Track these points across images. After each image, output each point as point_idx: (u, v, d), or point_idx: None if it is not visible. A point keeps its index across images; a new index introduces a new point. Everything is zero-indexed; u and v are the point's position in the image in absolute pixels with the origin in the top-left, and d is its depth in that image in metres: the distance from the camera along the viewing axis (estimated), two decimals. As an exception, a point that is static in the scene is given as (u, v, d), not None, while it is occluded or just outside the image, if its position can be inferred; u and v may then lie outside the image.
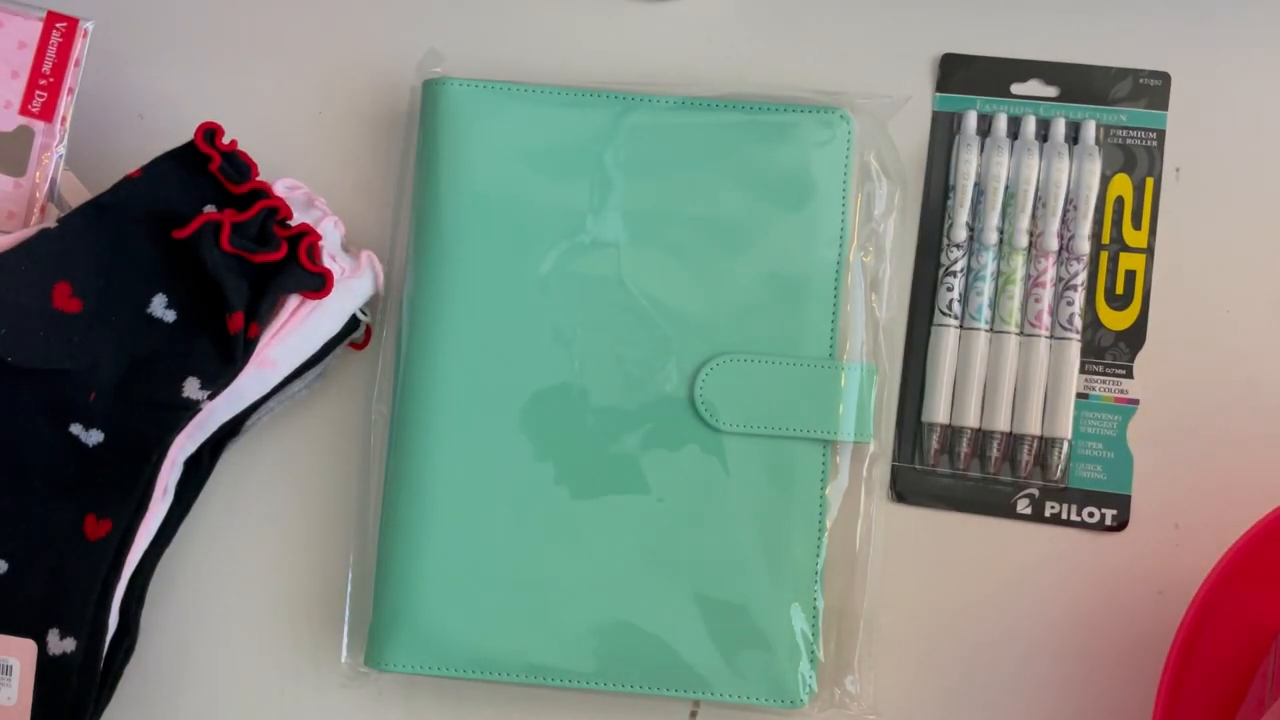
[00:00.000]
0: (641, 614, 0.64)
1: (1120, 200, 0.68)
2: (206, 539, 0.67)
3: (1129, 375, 0.67)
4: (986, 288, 0.67)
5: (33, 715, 0.62)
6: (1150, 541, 0.66)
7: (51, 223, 0.64)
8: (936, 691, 0.66)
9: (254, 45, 0.71)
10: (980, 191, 0.68)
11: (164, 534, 0.65)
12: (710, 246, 0.66)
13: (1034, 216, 0.67)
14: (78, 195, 0.66)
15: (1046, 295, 0.67)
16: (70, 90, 0.66)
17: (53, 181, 0.66)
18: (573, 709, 0.66)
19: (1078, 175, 0.67)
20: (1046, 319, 0.67)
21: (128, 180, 0.64)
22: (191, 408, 0.62)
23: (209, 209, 0.64)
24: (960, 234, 0.67)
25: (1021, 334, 0.67)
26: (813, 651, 0.64)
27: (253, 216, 0.63)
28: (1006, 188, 0.68)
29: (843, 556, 0.66)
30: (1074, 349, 0.67)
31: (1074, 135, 0.68)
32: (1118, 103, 0.68)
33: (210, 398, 0.63)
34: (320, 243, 0.64)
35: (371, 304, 0.68)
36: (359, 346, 0.68)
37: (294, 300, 0.64)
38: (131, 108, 0.71)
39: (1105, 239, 0.68)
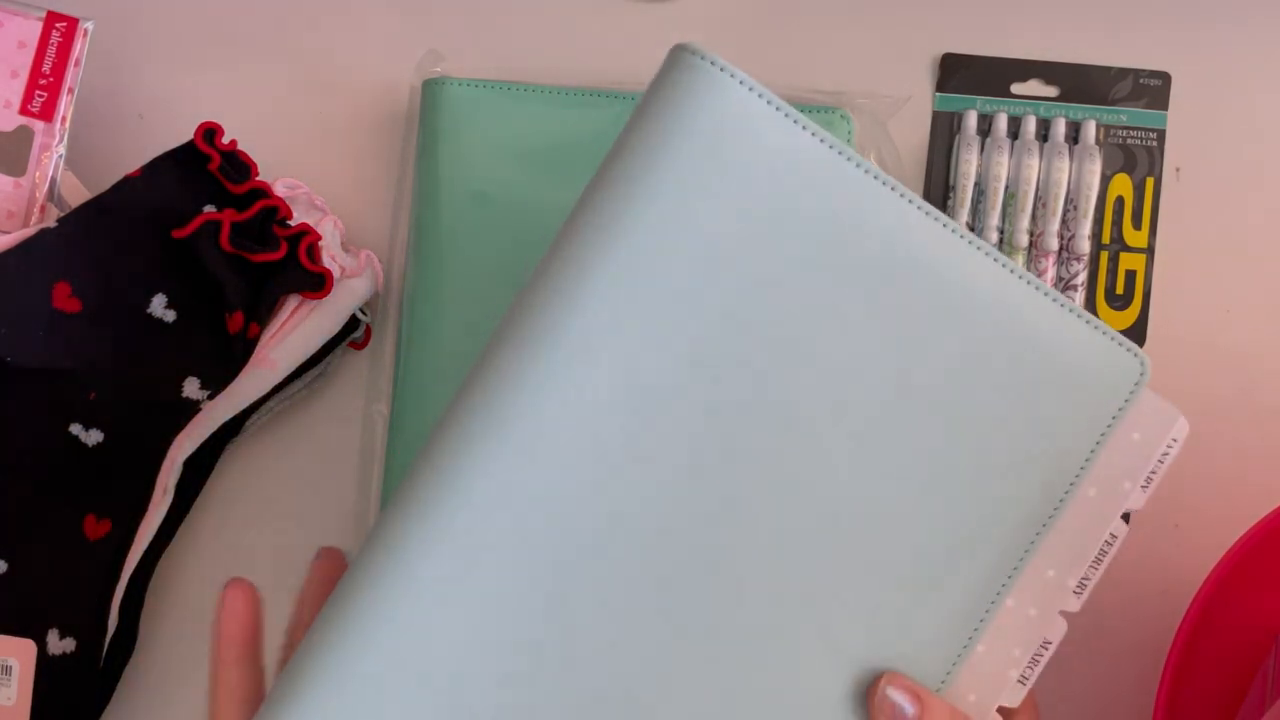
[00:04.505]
0: None
1: (1120, 200, 0.68)
2: (206, 539, 0.67)
3: (1129, 375, 0.67)
4: (986, 288, 0.67)
5: (32, 715, 0.62)
6: (1150, 541, 0.66)
7: (51, 223, 0.64)
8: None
9: (254, 45, 0.71)
10: (980, 191, 0.68)
11: (164, 534, 0.65)
12: (710, 246, 0.66)
13: (1034, 216, 0.67)
14: (77, 195, 0.66)
15: (1046, 295, 0.67)
16: (70, 90, 0.66)
17: (52, 181, 0.66)
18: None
19: (1078, 175, 0.67)
20: (1046, 319, 0.67)
21: (127, 180, 0.64)
22: (191, 408, 0.62)
23: (209, 209, 0.64)
24: (960, 234, 0.67)
25: (1021, 334, 0.67)
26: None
27: (252, 216, 0.63)
28: (1007, 188, 0.68)
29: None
30: (1074, 349, 0.67)
31: (1074, 135, 0.68)
32: (1118, 103, 0.68)
33: (210, 398, 0.63)
34: (320, 243, 0.64)
35: (371, 304, 0.68)
36: (359, 346, 0.68)
37: (294, 300, 0.64)
38: (131, 108, 0.71)
39: (1105, 239, 0.68)
